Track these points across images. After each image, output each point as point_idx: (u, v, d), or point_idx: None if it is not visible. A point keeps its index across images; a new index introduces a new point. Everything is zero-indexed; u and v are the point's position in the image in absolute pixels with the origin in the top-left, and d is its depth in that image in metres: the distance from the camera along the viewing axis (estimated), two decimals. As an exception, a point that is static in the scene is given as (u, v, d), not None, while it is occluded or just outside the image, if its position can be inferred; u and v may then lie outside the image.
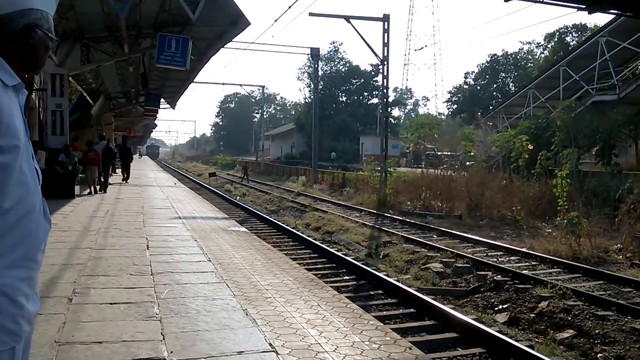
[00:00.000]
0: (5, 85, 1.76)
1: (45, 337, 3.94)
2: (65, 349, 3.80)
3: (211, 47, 16.50)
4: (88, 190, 17.05)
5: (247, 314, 4.72)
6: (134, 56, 17.25)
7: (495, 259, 11.51)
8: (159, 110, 32.60)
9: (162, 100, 28.97)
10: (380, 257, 12.66)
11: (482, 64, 60.38)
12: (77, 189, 15.64)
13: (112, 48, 16.78)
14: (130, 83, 25.31)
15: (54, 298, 4.96)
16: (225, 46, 16.75)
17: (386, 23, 24.73)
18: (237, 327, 4.37)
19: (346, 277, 10.00)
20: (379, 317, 6.27)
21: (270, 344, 4.00)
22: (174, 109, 34.26)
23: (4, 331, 1.72)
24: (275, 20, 44.94)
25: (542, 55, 57.60)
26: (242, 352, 3.85)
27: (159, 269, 6.39)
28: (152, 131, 76.64)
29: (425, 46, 76.73)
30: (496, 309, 8.60)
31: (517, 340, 6.61)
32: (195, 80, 24.45)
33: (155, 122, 53.39)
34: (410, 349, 4.11)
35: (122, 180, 22.40)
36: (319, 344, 4.07)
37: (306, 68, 71.12)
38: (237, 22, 13.85)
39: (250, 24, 13.68)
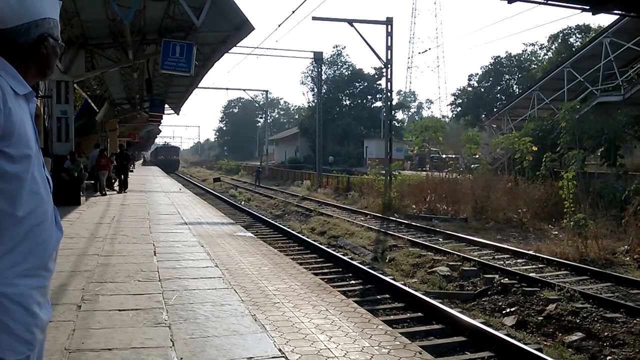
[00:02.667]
0: (16, 94, 1.77)
1: (55, 344, 3.94)
2: (75, 357, 3.80)
3: (215, 52, 16.53)
4: (98, 193, 17.42)
5: (255, 320, 4.71)
6: (138, 62, 17.30)
7: (502, 262, 11.48)
8: (163, 116, 32.73)
9: (166, 105, 29.07)
10: (386, 261, 12.63)
11: (486, 66, 60.31)
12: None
13: (117, 54, 16.83)
14: (135, 89, 25.38)
15: (63, 305, 4.97)
16: (229, 51, 16.80)
17: (389, 26, 24.74)
18: (246, 333, 4.37)
19: (353, 282, 10.00)
20: (386, 321, 6.25)
21: (280, 350, 3.99)
22: (178, 114, 34.36)
23: (19, 340, 1.73)
24: (279, 25, 45.06)
25: (546, 57, 57.52)
26: (251, 357, 3.85)
27: (167, 275, 6.39)
28: (156, 137, 76.23)
29: (429, 49, 76.74)
30: (504, 312, 8.57)
31: (525, 344, 6.59)
32: (199, 86, 24.48)
33: (159, 127, 53.63)
34: (420, 353, 4.10)
35: (119, 190, 20.42)
36: (329, 349, 4.07)
37: (309, 72, 71.29)
38: (241, 28, 13.88)
39: (254, 29, 13.70)
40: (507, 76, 59.44)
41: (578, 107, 24.03)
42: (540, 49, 60.89)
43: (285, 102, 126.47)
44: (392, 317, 7.67)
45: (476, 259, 11.40)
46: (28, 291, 1.78)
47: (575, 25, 52.31)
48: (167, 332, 4.32)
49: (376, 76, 62.07)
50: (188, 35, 14.13)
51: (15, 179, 1.73)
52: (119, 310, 4.94)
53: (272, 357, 3.86)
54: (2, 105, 1.67)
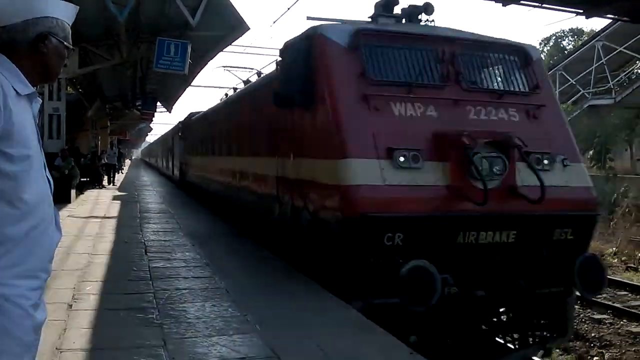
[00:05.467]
0: (18, 94, 1.77)
1: (46, 344, 3.92)
2: (66, 356, 3.82)
3: (210, 51, 16.48)
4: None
5: (247, 320, 4.73)
6: (132, 60, 17.23)
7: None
8: (155, 114, 32.61)
9: (158, 103, 28.97)
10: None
11: (478, 67, 60.41)
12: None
13: (110, 52, 16.76)
14: (127, 86, 25.27)
15: (54, 304, 4.96)
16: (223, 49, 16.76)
17: (383, 27, 24.72)
18: (237, 333, 4.38)
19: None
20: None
21: (272, 350, 4.01)
22: (170, 112, 34.35)
23: (15, 342, 1.74)
24: (274, 22, 45.11)
25: (538, 59, 57.68)
26: (244, 358, 3.87)
27: (158, 274, 6.40)
28: (147, 135, 75.31)
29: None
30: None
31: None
32: (192, 84, 24.39)
33: (151, 125, 53.37)
34: None
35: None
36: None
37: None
38: (236, 27, 13.83)
39: (249, 29, 13.66)
40: (499, 78, 59.56)
41: (569, 109, 24.20)
42: (532, 51, 61.09)
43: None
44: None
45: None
46: (26, 292, 1.79)
47: (568, 29, 52.60)
48: (158, 332, 4.33)
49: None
50: (183, 34, 14.08)
51: (14, 179, 1.74)
52: (110, 309, 4.95)
53: (266, 357, 3.88)
54: (2, 107, 1.68)
